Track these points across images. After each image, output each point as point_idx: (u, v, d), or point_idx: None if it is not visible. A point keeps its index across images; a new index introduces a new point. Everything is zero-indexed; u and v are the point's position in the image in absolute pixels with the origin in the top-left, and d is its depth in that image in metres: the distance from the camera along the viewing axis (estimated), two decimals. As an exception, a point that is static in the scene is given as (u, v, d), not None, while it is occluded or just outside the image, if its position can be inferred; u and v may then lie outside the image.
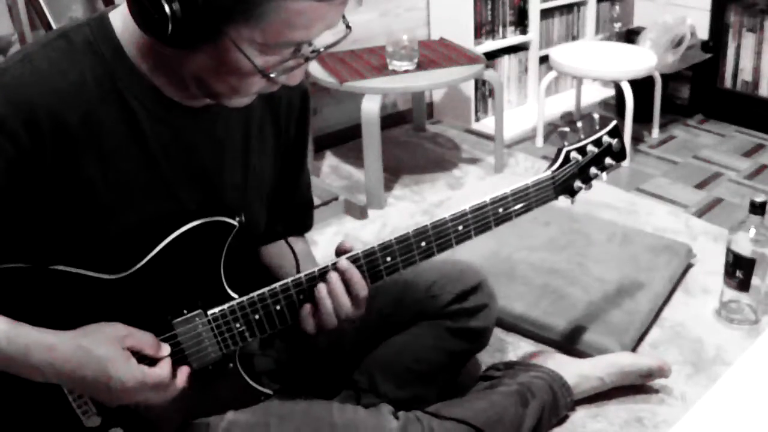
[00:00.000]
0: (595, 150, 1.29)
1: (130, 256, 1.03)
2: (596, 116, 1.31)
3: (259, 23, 0.86)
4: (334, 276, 1.09)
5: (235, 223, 1.07)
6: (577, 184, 1.30)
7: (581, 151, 1.29)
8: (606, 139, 1.31)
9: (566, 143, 1.29)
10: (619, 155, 1.33)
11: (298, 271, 1.12)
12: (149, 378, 1.00)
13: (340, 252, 1.12)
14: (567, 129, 1.30)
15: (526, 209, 1.24)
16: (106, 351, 0.97)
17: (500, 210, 1.20)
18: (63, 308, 1.01)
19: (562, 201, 1.30)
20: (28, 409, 1.05)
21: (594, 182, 1.32)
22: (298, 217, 1.34)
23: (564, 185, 1.28)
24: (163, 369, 1.02)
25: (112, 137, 0.98)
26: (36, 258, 1.00)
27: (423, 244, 1.14)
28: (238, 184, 1.13)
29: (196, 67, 0.93)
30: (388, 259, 1.12)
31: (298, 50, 0.93)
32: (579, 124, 1.30)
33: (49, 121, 0.92)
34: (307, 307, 1.10)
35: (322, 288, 1.09)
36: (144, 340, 1.02)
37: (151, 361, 1.02)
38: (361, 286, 1.10)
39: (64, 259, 1.00)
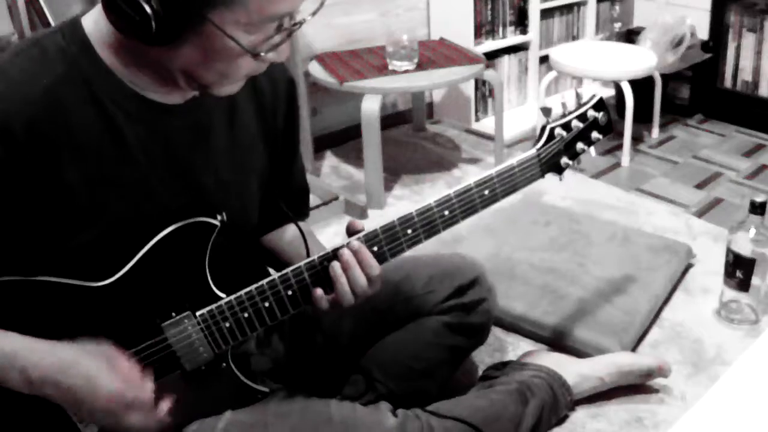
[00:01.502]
0: (581, 125, 1.26)
1: (114, 261, 1.03)
2: (580, 91, 1.29)
3: (242, 3, 0.87)
4: (346, 252, 1.10)
5: (217, 223, 1.07)
6: (564, 160, 1.26)
7: (566, 126, 1.26)
8: (591, 113, 1.27)
9: (549, 120, 1.26)
10: (606, 128, 1.29)
11: (308, 254, 1.13)
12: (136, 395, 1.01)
13: (351, 231, 1.13)
14: (549, 106, 1.29)
15: (513, 190, 1.22)
16: (97, 365, 0.99)
17: (486, 192, 1.19)
18: (52, 318, 1.02)
19: (550, 178, 1.28)
20: (26, 418, 1.05)
21: (582, 157, 1.29)
22: (295, 204, 1.34)
23: (550, 162, 1.25)
24: (146, 391, 1.03)
25: (90, 141, 0.97)
26: (22, 269, 1.00)
27: (409, 231, 1.14)
28: (225, 179, 1.13)
29: (183, 60, 0.93)
30: (375, 248, 1.12)
31: (281, 25, 0.94)
32: (564, 101, 1.27)
33: (23, 131, 0.92)
34: (319, 290, 1.11)
35: (336, 266, 1.10)
36: (128, 367, 1.02)
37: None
38: (374, 264, 1.11)
39: (50, 269, 1.00)
